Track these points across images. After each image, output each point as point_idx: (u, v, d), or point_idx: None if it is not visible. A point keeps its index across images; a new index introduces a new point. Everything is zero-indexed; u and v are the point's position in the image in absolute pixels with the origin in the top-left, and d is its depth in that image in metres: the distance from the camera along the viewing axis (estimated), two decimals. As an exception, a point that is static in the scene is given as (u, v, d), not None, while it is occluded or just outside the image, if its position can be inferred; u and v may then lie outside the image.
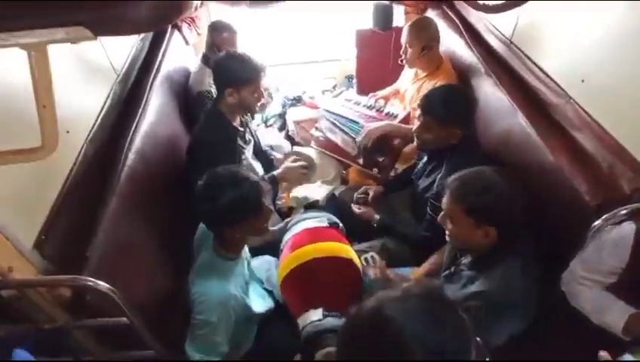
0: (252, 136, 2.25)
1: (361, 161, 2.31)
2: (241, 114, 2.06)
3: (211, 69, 2.02)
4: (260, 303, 1.64)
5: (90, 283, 1.08)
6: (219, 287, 1.39)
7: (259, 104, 2.13)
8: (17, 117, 1.06)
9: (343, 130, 2.31)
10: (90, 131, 1.51)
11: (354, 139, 2.24)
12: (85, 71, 1.59)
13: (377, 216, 1.94)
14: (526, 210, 1.26)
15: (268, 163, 2.36)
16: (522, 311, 1.27)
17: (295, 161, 2.22)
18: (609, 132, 1.31)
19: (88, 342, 1.25)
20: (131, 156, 1.56)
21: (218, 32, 2.48)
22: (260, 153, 2.36)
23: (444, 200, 1.34)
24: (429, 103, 1.73)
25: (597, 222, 1.19)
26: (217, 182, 1.36)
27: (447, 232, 1.38)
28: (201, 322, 1.37)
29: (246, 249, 1.65)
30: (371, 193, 2.11)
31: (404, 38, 2.19)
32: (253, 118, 2.59)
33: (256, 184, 1.40)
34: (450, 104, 1.69)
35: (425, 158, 1.90)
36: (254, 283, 1.70)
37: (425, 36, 2.15)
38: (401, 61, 2.27)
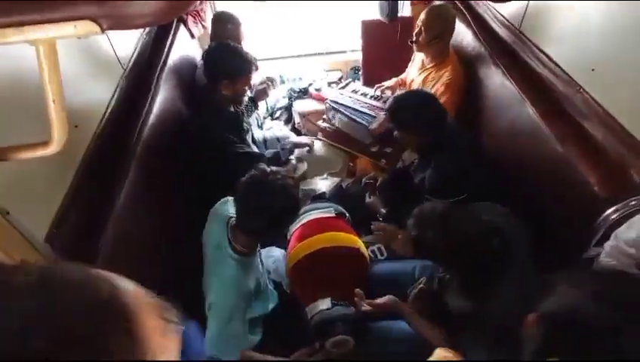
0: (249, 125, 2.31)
1: (373, 149, 2.31)
2: (232, 103, 2.10)
3: (203, 60, 2.05)
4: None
5: (102, 276, 1.09)
6: (241, 285, 1.39)
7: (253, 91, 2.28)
8: (27, 112, 1.07)
9: (354, 120, 2.30)
10: (99, 125, 1.52)
11: (367, 127, 2.24)
12: (92, 66, 1.60)
13: (383, 210, 1.95)
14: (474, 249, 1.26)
15: None
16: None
17: None
18: (620, 122, 1.29)
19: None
20: (140, 149, 1.57)
21: (222, 24, 2.47)
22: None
23: None
24: (388, 111, 1.81)
25: (607, 213, 1.18)
26: (269, 190, 1.36)
27: None
28: (226, 320, 1.35)
29: None
30: (380, 179, 2.12)
31: (420, 19, 2.16)
32: (257, 108, 2.59)
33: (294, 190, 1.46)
34: (401, 112, 1.75)
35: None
36: (267, 280, 1.70)
37: (440, 24, 2.13)
38: (411, 42, 2.26)
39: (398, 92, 2.55)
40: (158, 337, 0.44)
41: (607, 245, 1.19)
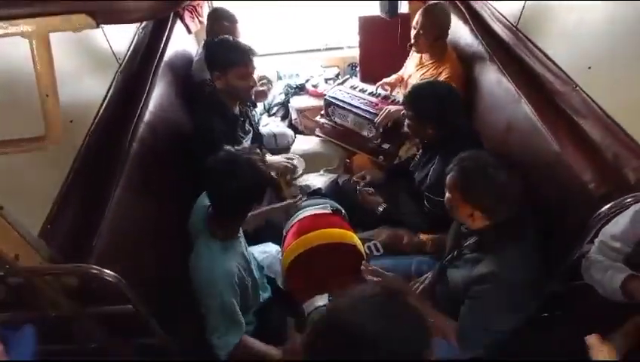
0: (252, 127, 2.26)
1: (373, 144, 2.31)
2: (237, 101, 2.06)
3: (204, 55, 2.03)
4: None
5: (96, 272, 1.09)
6: (222, 267, 1.39)
7: (254, 90, 2.17)
8: (21, 106, 1.06)
9: (356, 114, 2.31)
10: (94, 120, 1.51)
11: (370, 120, 2.24)
12: (88, 60, 1.59)
13: (382, 206, 1.95)
14: (517, 200, 1.29)
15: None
16: (527, 292, 1.29)
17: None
18: (615, 120, 1.30)
19: (94, 329, 1.26)
20: (135, 145, 1.56)
21: (218, 20, 2.46)
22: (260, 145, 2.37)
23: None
24: (408, 97, 1.77)
25: (601, 211, 1.19)
26: (238, 166, 1.36)
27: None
28: (217, 305, 1.37)
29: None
30: (368, 177, 2.11)
31: (416, 21, 2.13)
32: (255, 106, 2.57)
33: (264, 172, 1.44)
34: (424, 101, 1.71)
35: (421, 150, 1.91)
36: (255, 269, 1.70)
37: (441, 24, 2.12)
38: (410, 46, 2.24)
39: (398, 89, 2.55)
40: None
41: (596, 241, 1.19)
